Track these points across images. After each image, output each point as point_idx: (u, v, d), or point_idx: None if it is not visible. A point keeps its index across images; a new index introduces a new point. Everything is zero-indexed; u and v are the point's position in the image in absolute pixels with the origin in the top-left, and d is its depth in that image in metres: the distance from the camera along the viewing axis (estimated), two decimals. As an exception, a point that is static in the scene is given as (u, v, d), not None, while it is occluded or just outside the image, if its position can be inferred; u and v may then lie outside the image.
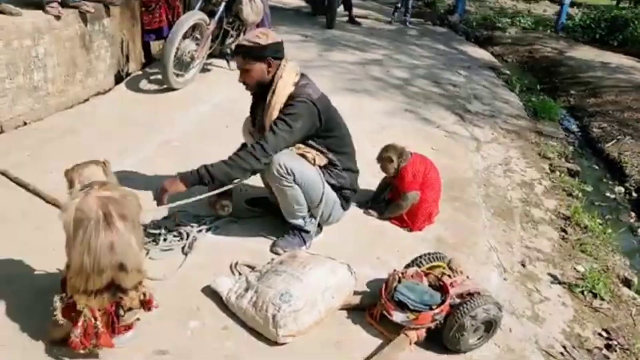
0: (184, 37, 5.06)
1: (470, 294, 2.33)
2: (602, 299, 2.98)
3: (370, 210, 3.35)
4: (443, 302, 2.28)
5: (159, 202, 2.60)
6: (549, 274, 3.13)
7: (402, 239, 3.17)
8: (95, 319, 1.92)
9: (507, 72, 8.21)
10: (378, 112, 5.37)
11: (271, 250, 2.84)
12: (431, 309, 2.26)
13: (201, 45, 5.33)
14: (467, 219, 3.54)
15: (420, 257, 2.56)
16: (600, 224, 3.91)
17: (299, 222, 2.83)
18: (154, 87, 5.31)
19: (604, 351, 2.59)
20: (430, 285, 2.39)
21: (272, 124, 2.67)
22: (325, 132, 2.80)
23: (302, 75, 2.82)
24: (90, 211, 1.84)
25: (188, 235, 2.81)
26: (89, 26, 5.14)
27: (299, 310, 2.19)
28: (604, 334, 2.72)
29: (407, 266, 2.54)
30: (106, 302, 1.94)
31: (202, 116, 4.73)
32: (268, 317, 2.18)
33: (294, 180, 2.66)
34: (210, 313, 2.35)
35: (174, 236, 2.80)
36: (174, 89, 5.20)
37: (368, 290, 2.62)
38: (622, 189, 4.77)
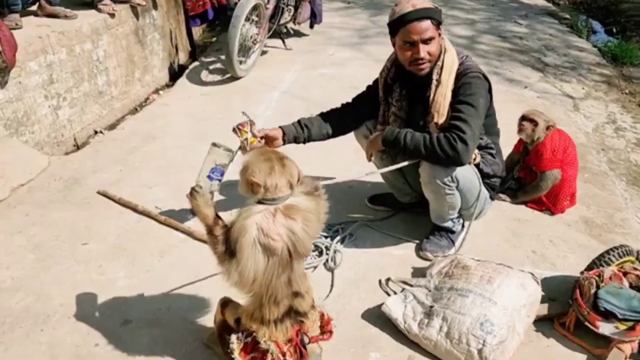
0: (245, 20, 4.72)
1: (682, 294, 2.04)
2: None
3: (502, 195, 3.05)
4: (657, 307, 2.00)
5: (367, 157, 2.57)
6: None
7: (548, 225, 2.87)
8: (284, 354, 1.70)
9: (568, 16, 7.67)
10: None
11: (419, 256, 2.58)
12: (643, 316, 1.98)
13: (262, 28, 5.00)
14: (603, 192, 3.22)
15: (608, 252, 2.26)
16: None
17: (448, 224, 2.56)
18: (217, 77, 5.02)
19: None
20: (631, 286, 2.10)
21: (456, 110, 2.29)
22: (487, 110, 2.44)
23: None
24: (276, 246, 1.59)
25: (327, 249, 2.56)
26: (140, 20, 4.87)
27: (504, 340, 1.93)
28: None
29: (592, 266, 2.25)
30: (290, 330, 1.72)
31: (278, 104, 4.44)
32: (471, 351, 1.92)
33: (457, 187, 2.37)
34: (387, 342, 2.11)
35: (312, 251, 2.56)
36: (237, 78, 4.90)
37: (543, 293, 2.35)
38: None
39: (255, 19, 4.94)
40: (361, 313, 2.23)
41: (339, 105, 2.74)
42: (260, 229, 1.57)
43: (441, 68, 2.33)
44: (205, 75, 5.07)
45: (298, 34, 6.16)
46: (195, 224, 2.80)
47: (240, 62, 4.87)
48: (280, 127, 2.58)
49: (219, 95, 4.63)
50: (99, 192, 3.13)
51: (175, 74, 5.52)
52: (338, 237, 2.64)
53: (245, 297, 1.71)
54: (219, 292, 2.30)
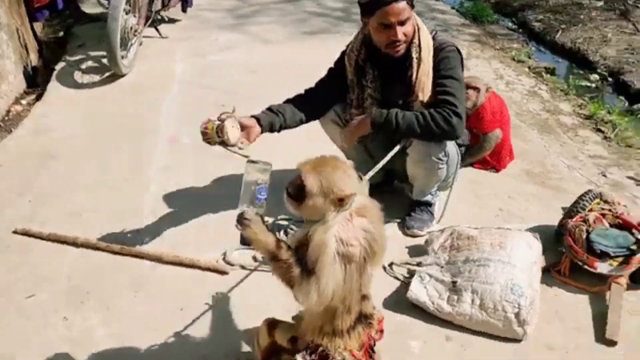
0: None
1: (652, 223, 2.31)
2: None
3: (448, 160, 3.15)
4: (638, 242, 2.23)
5: (349, 142, 2.46)
6: (628, 177, 3.22)
7: (498, 182, 3.05)
8: None
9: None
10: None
11: (407, 234, 2.57)
12: (630, 250, 2.20)
13: (140, 17, 4.52)
14: (526, 144, 3.50)
15: (581, 200, 2.45)
16: (619, 114, 4.07)
17: (428, 198, 2.59)
18: (95, 77, 4.45)
19: None
20: (611, 226, 2.32)
21: (442, 85, 2.28)
22: None
23: None
24: (355, 252, 1.46)
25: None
26: (-18, 19, 4.10)
27: (534, 300, 2.02)
28: None
29: (569, 214, 2.44)
30: (363, 335, 1.61)
31: (183, 98, 4.07)
32: (509, 317, 1.97)
33: (447, 161, 2.38)
34: (419, 327, 2.08)
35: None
36: (121, 75, 4.39)
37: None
38: (597, 76, 5.02)
39: (128, 7, 4.43)
40: (380, 303, 2.16)
41: (301, 92, 2.58)
42: (340, 239, 1.43)
43: (419, 46, 2.30)
44: (79, 77, 4.47)
45: (169, 20, 5.69)
46: (152, 247, 2.50)
47: (122, 57, 4.36)
48: (253, 116, 2.34)
49: (108, 97, 4.12)
50: (16, 232, 2.61)
51: (30, 78, 4.76)
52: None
53: (310, 312, 1.55)
54: (214, 319, 2.11)
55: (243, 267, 2.39)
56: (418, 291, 2.11)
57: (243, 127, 2.23)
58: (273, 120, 2.36)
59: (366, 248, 1.48)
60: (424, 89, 2.30)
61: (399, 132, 2.28)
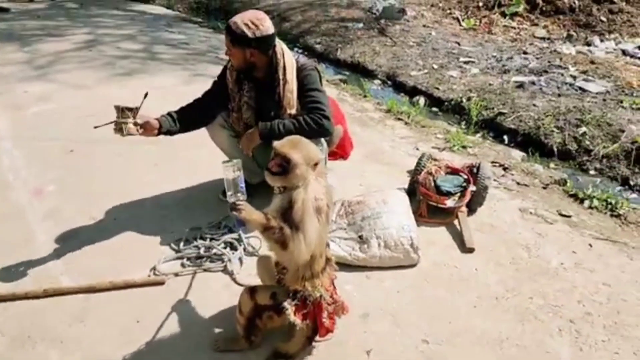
0: None
1: (469, 167, 3.21)
2: (470, 147, 4.26)
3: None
4: (466, 180, 3.10)
5: (247, 151, 2.89)
6: (432, 147, 4.23)
7: (350, 166, 3.72)
8: (332, 295, 2.07)
9: (201, 20, 8.68)
10: (171, 84, 5.32)
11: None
12: (463, 187, 3.06)
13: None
14: (356, 137, 4.24)
15: (420, 161, 3.24)
16: (408, 105, 5.18)
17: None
18: None
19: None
20: (446, 174, 3.15)
21: (309, 97, 2.81)
22: None
23: None
24: (322, 204, 1.93)
25: (239, 240, 2.78)
26: None
27: (416, 231, 2.70)
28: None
29: (416, 172, 3.21)
30: (331, 273, 2.09)
31: (25, 154, 3.92)
32: (407, 248, 2.61)
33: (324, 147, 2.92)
34: (347, 275, 2.59)
35: (224, 248, 2.74)
36: None
37: (392, 204, 3.19)
38: (379, 81, 6.18)
39: None
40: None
41: (191, 101, 3.02)
42: (314, 197, 1.87)
43: (284, 68, 2.83)
44: None
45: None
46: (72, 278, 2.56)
47: None
48: (156, 118, 2.78)
49: None
50: None
51: None
52: (225, 231, 2.89)
53: (295, 265, 1.96)
54: (178, 318, 2.34)
55: (177, 275, 2.61)
56: (336, 250, 2.63)
57: (146, 127, 2.69)
58: (171, 128, 2.85)
59: (329, 200, 1.96)
60: (290, 103, 2.86)
61: (282, 138, 2.78)
